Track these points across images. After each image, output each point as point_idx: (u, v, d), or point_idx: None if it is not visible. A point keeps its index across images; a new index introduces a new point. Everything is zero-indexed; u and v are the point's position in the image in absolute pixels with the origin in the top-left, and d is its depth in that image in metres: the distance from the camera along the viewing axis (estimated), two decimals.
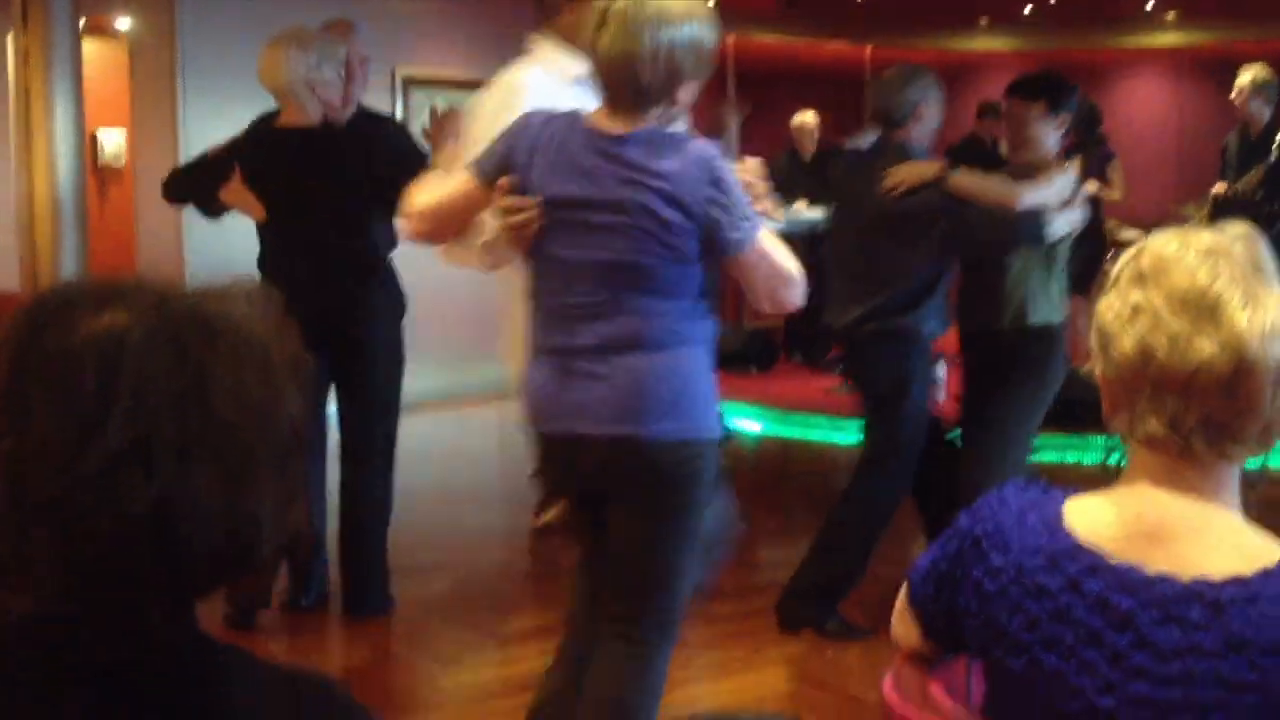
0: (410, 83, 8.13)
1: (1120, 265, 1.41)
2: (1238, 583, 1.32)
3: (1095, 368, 1.43)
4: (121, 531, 0.89)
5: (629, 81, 2.42)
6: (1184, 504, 1.38)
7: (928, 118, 3.95)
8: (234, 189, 4.01)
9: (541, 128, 2.51)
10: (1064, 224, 3.78)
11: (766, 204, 2.56)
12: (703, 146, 2.45)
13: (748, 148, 5.91)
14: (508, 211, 2.45)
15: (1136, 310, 1.36)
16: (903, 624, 1.65)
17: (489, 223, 2.55)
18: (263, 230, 4.04)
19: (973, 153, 8.92)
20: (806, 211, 8.73)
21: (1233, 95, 7.01)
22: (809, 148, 9.16)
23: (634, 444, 2.46)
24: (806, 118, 9.17)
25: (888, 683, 1.58)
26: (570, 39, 2.82)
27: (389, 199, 3.78)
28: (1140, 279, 1.37)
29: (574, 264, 2.47)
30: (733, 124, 5.67)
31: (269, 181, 3.95)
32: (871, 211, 3.89)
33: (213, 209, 4.24)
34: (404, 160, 3.75)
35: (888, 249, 3.88)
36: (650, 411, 2.45)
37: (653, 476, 2.49)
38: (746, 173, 2.58)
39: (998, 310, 3.90)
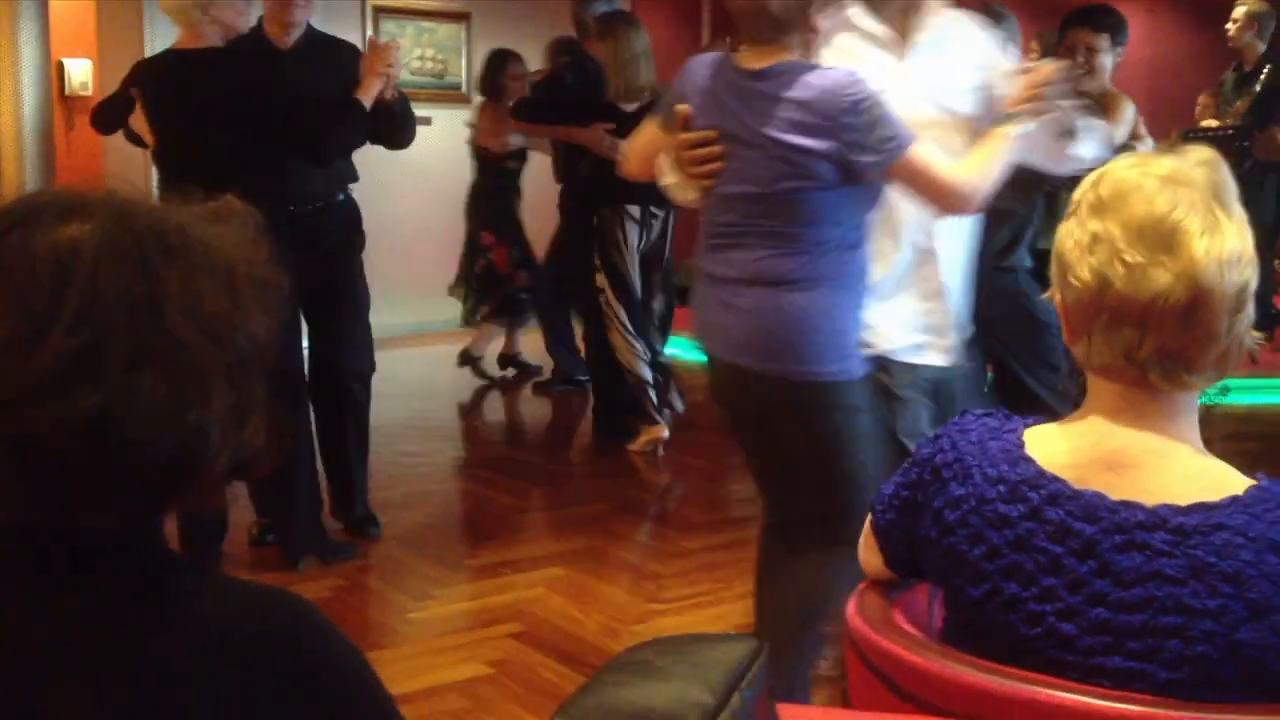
0: (381, 11, 7.99)
1: (1080, 193, 1.40)
2: (1203, 510, 1.32)
3: (1055, 295, 1.43)
4: (68, 434, 0.91)
5: (760, 13, 2.47)
6: (1142, 433, 1.38)
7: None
8: (138, 118, 3.91)
9: (698, 70, 2.62)
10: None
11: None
12: (838, 74, 2.45)
13: None
14: (681, 150, 2.55)
15: (1095, 239, 1.35)
16: (867, 551, 1.67)
17: (664, 163, 2.69)
18: (156, 161, 3.89)
19: None
20: None
21: (1228, 26, 6.99)
22: None
23: (759, 376, 2.53)
24: None
25: (850, 608, 1.59)
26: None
27: (311, 133, 3.74)
28: (1099, 207, 1.36)
29: (721, 196, 2.56)
30: None
31: (157, 110, 3.79)
32: None
33: (133, 138, 4.16)
34: (310, 109, 3.70)
35: None
36: (771, 350, 2.51)
37: (785, 408, 2.56)
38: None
39: None
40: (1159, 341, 1.33)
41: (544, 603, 3.69)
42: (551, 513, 4.80)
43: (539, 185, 6.56)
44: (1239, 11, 6.95)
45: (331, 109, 3.75)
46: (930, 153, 2.47)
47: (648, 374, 5.56)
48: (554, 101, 5.71)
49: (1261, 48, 6.92)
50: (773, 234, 2.49)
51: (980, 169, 2.50)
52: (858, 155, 2.41)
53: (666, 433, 5.60)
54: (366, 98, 3.77)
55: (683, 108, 2.56)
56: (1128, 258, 1.32)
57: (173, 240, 0.97)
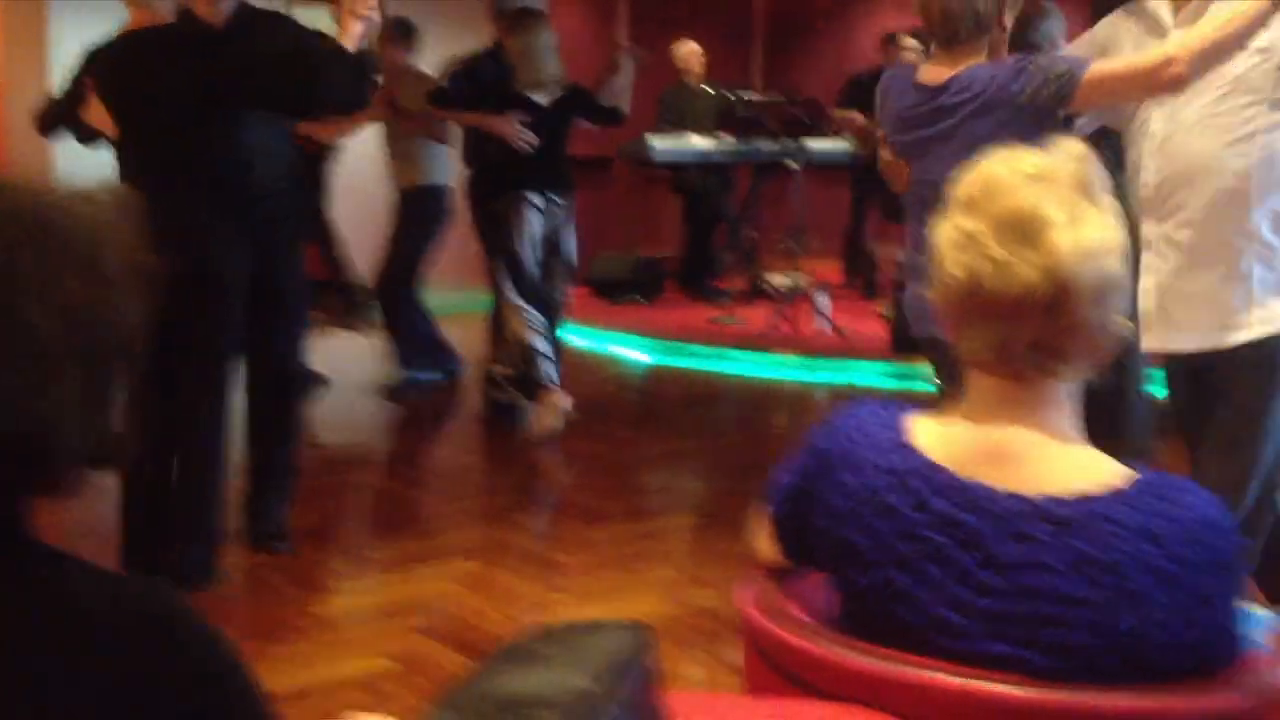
0: None
1: (956, 189, 1.42)
2: (1084, 501, 1.34)
3: (931, 291, 1.44)
4: None
5: (965, 14, 2.74)
6: (1023, 424, 1.40)
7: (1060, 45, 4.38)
8: (92, 106, 3.76)
9: (889, 81, 3.00)
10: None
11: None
12: (1013, 59, 2.73)
13: (640, 80, 5.89)
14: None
15: (965, 236, 1.37)
16: (762, 539, 1.66)
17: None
18: (117, 154, 3.70)
19: (872, 83, 8.94)
20: (698, 141, 8.72)
21: None
22: (697, 77, 9.10)
23: None
24: (691, 47, 9.11)
25: (746, 598, 1.59)
26: None
27: (273, 106, 3.60)
28: (970, 204, 1.39)
29: (918, 184, 2.83)
30: (627, 67, 5.65)
31: (119, 96, 3.59)
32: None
33: (83, 134, 4.04)
34: (287, 63, 3.49)
35: None
36: None
37: None
38: None
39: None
40: (1029, 334, 1.35)
41: (448, 595, 3.66)
42: (457, 505, 4.76)
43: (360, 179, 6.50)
44: None
45: (319, 57, 3.51)
46: (1112, 62, 2.64)
47: (539, 343, 5.57)
48: (473, 91, 5.69)
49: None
50: None
51: (1189, 36, 2.55)
52: (1040, 100, 2.64)
53: (568, 400, 5.60)
54: (351, 43, 3.52)
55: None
56: (995, 254, 1.34)
57: (29, 221, 0.95)
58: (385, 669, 3.13)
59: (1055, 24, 4.49)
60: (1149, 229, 2.67)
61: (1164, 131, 2.63)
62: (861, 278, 9.01)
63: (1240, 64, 2.50)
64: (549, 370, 5.58)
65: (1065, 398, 1.43)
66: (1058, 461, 1.39)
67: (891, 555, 1.41)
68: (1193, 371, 2.69)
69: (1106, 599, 1.29)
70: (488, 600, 3.62)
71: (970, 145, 2.77)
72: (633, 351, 7.78)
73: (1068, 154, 1.39)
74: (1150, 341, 2.70)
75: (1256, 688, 1.33)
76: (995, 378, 1.42)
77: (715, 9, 10.72)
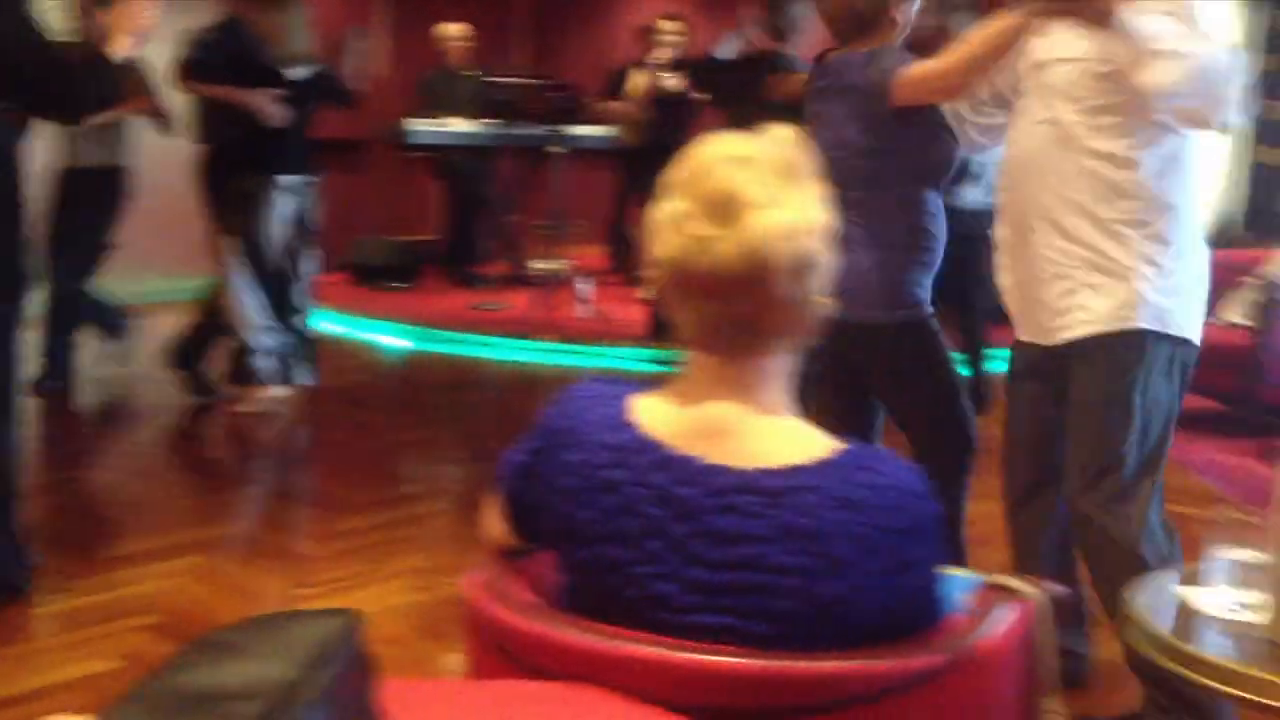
0: None
1: (671, 172, 1.44)
2: (795, 472, 1.37)
3: (649, 272, 1.46)
4: None
5: (845, 14, 2.95)
6: (735, 399, 1.43)
7: (807, 34, 4.75)
8: None
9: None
10: None
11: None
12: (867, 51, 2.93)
13: (401, 63, 5.83)
14: None
15: (674, 216, 1.40)
16: (494, 519, 1.65)
17: None
18: None
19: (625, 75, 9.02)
20: (458, 124, 8.62)
21: None
22: (458, 60, 9.00)
23: None
24: (452, 29, 9.01)
25: (471, 579, 1.56)
26: None
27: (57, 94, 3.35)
28: (680, 185, 1.42)
29: None
30: (357, 47, 5.58)
31: None
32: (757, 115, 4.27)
33: None
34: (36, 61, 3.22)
35: None
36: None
37: None
38: None
39: None
40: (730, 309, 1.39)
41: (183, 592, 3.52)
42: (197, 499, 4.58)
43: None
44: None
45: (78, 67, 3.31)
46: (922, 64, 2.79)
47: (259, 336, 5.51)
48: (225, 62, 5.48)
49: None
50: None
51: (957, 47, 2.77)
52: (872, 92, 2.85)
53: (284, 393, 5.57)
54: (120, 52, 3.36)
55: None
56: (698, 232, 1.38)
57: None
58: (110, 670, 2.98)
59: (800, 8, 4.68)
60: (998, 231, 2.77)
61: (1010, 139, 2.72)
62: (627, 263, 9.10)
63: (1056, 74, 2.58)
64: (264, 365, 5.49)
65: (776, 373, 1.46)
66: (768, 435, 1.42)
67: (611, 530, 1.41)
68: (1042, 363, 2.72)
69: (812, 567, 1.32)
70: (225, 596, 3.50)
71: (830, 126, 2.94)
72: (392, 338, 7.66)
73: (776, 138, 1.43)
74: (1019, 334, 2.78)
75: (953, 647, 1.38)
76: (707, 355, 1.44)
77: None
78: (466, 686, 1.50)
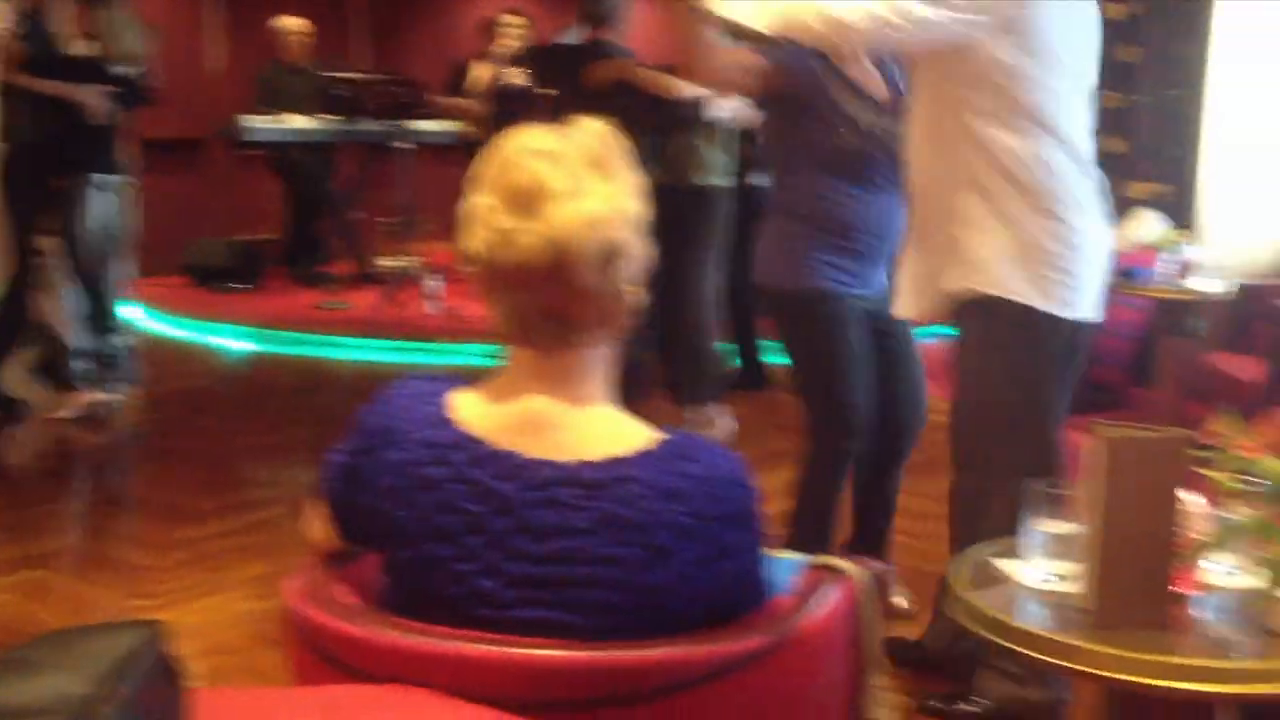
0: None
1: (479, 165, 1.45)
2: (614, 463, 1.37)
3: (464, 267, 1.46)
4: None
5: None
6: (554, 393, 1.43)
7: (628, 20, 4.87)
8: None
9: None
10: (719, 111, 4.90)
11: None
12: None
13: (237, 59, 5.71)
14: None
15: (480, 210, 1.41)
16: (318, 522, 1.62)
17: None
18: None
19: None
20: (296, 121, 8.45)
21: None
22: (297, 55, 8.82)
23: None
24: (290, 24, 8.82)
25: (291, 584, 1.53)
26: None
27: None
28: (486, 179, 1.42)
29: None
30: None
31: None
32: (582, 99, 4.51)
33: None
34: None
35: None
36: None
37: None
38: None
39: (677, 170, 5.05)
40: (539, 301, 1.40)
41: (13, 609, 3.38)
42: (26, 511, 4.39)
43: None
44: None
45: None
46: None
47: (73, 337, 5.38)
48: (57, 59, 5.30)
49: None
50: None
51: None
52: None
53: (99, 398, 5.42)
54: None
55: None
56: (503, 224, 1.38)
57: None
58: None
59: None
60: None
61: None
62: None
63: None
64: (83, 368, 5.34)
65: (595, 364, 1.46)
66: (588, 427, 1.42)
67: (432, 528, 1.40)
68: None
69: (634, 557, 1.33)
70: (59, 612, 3.37)
71: None
72: (234, 341, 7.47)
73: (585, 131, 1.44)
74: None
75: (776, 629, 1.40)
76: (524, 349, 1.44)
77: None
78: (289, 694, 1.47)
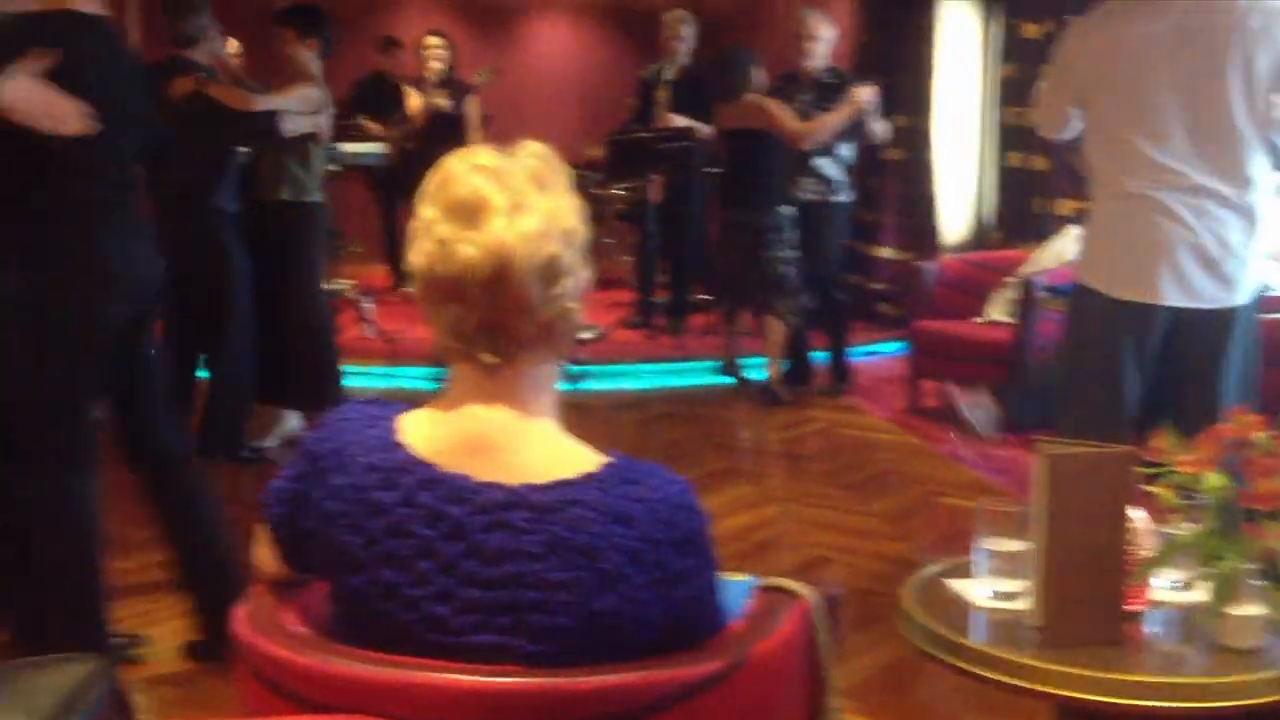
0: None
1: (425, 182, 1.45)
2: (560, 487, 1.36)
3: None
4: None
5: None
6: (498, 415, 1.42)
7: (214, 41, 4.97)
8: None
9: None
10: (297, 125, 5.05)
11: None
12: None
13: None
14: None
15: (422, 224, 1.42)
16: (262, 548, 1.60)
17: None
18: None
19: (379, 86, 8.94)
20: None
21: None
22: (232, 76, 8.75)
23: None
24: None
25: (240, 613, 1.50)
26: None
27: None
28: (429, 195, 1.43)
29: None
30: None
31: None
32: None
33: None
34: None
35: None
36: None
37: None
38: None
39: (265, 186, 5.17)
40: (478, 315, 1.39)
41: None
42: None
43: None
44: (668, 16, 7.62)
45: None
46: None
47: None
48: None
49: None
50: None
51: None
52: None
53: None
54: None
55: None
56: (441, 235, 1.39)
57: None
58: None
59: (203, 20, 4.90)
60: None
61: None
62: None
63: None
64: None
65: (540, 384, 1.45)
66: (535, 449, 1.41)
67: (381, 553, 1.38)
68: None
69: (582, 581, 1.31)
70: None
71: None
72: None
73: (527, 151, 1.45)
74: None
75: (731, 652, 1.39)
76: (467, 366, 1.43)
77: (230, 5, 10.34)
78: None
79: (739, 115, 6.27)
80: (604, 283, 7.49)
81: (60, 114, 2.69)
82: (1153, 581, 1.82)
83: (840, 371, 6.68)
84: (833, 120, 6.16)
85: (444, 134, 7.44)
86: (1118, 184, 3.02)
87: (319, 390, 5.40)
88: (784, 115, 6.16)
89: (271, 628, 1.45)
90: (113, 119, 2.83)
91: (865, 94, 6.12)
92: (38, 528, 2.90)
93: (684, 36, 7.57)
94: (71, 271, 2.87)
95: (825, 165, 6.39)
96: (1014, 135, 7.35)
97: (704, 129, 7.26)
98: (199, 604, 3.23)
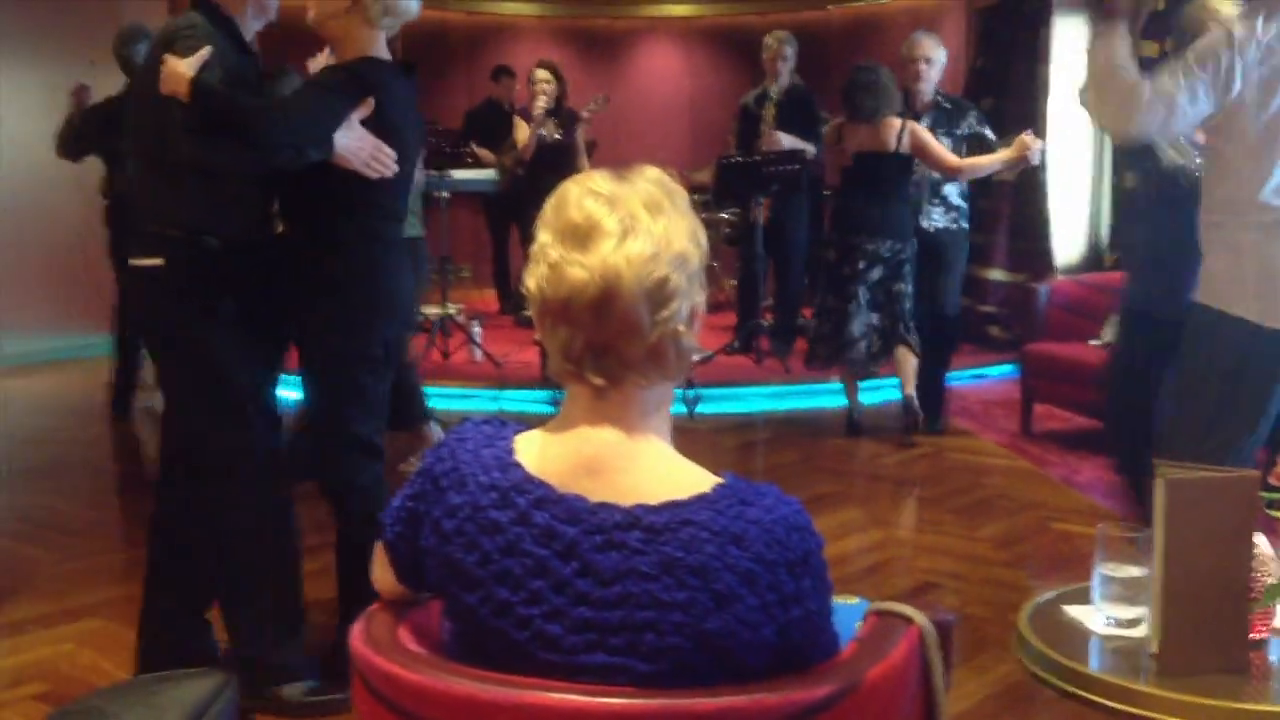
0: None
1: (543, 209, 1.47)
2: (673, 507, 1.37)
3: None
4: None
5: None
6: (611, 436, 1.43)
7: None
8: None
9: None
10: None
11: None
12: None
13: None
14: None
15: (539, 248, 1.43)
16: (380, 568, 1.63)
17: None
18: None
19: (491, 114, 9.08)
20: None
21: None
22: None
23: None
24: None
25: (357, 630, 1.53)
26: None
27: None
28: (546, 220, 1.45)
29: None
30: None
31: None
32: None
33: None
34: None
35: None
36: None
37: None
38: None
39: None
40: (585, 337, 1.40)
41: (73, 659, 3.40)
42: (88, 561, 4.43)
43: None
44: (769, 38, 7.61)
45: None
46: None
47: None
48: None
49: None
50: None
51: None
52: None
53: None
54: None
55: None
56: (553, 258, 1.40)
57: None
58: None
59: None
60: None
61: None
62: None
63: None
64: None
65: (650, 407, 1.46)
66: (646, 470, 1.41)
67: (496, 571, 1.40)
68: None
69: (695, 601, 1.32)
70: (119, 661, 3.36)
71: None
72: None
73: (641, 176, 1.46)
74: None
75: (845, 676, 1.38)
76: (579, 388, 1.45)
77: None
78: None
79: (876, 138, 6.00)
80: (710, 306, 7.48)
81: (380, 160, 3.00)
82: (1278, 609, 1.77)
83: (936, 406, 6.30)
84: (987, 163, 5.99)
85: (554, 162, 7.52)
86: (1266, 203, 2.88)
87: (405, 411, 5.41)
88: (939, 147, 5.97)
89: (388, 645, 1.48)
90: (408, 159, 3.15)
91: (1035, 145, 5.81)
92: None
93: (787, 56, 7.57)
94: (373, 299, 3.13)
95: (953, 193, 6.25)
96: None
97: (811, 149, 7.23)
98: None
